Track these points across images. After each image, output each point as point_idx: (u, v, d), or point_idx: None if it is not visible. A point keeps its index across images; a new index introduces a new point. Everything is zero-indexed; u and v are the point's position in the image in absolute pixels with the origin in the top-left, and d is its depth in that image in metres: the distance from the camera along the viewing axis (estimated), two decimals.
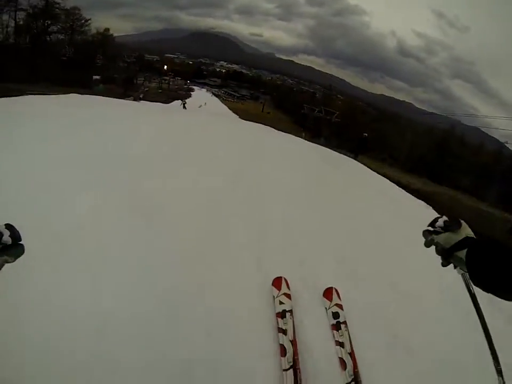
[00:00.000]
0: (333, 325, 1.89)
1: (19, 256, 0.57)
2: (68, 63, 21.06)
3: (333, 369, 1.64)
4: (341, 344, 1.75)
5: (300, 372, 1.53)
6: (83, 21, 22.05)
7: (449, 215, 0.73)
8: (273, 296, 1.98)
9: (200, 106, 26.91)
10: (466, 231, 0.69)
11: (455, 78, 28.27)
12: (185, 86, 47.41)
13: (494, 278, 0.55)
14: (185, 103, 22.13)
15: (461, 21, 26.90)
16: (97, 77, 24.54)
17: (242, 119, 20.50)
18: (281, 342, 1.68)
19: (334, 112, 26.82)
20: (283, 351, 1.61)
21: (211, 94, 52.32)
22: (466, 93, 27.18)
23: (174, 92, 34.44)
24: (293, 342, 1.69)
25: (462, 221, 0.71)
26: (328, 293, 2.10)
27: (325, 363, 1.65)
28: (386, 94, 34.12)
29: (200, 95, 39.31)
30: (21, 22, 19.23)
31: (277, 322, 1.80)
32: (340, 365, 1.65)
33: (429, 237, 0.74)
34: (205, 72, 58.42)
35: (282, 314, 1.83)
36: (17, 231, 0.57)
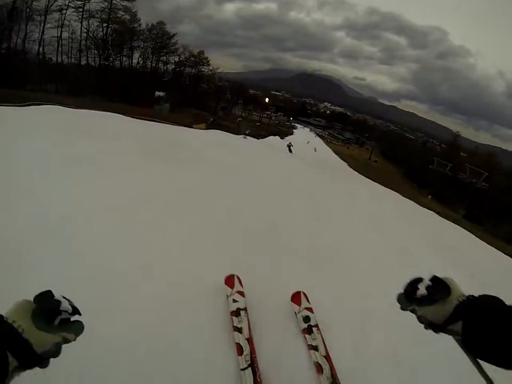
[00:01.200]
0: (304, 329, 1.86)
1: (79, 333, 0.51)
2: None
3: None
4: (315, 348, 1.71)
5: (258, 370, 1.52)
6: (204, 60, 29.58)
7: (433, 278, 0.60)
8: (227, 295, 1.99)
9: (308, 143, 29.35)
10: (456, 294, 0.57)
11: None
12: (288, 123, 51.16)
13: (493, 347, 0.50)
14: (291, 145, 18.81)
15: None
16: (161, 93, 23.04)
17: (351, 167, 19.18)
18: (237, 341, 1.66)
19: (482, 173, 19.82)
20: (239, 350, 1.60)
21: (314, 134, 54.22)
22: None
23: (274, 127, 36.02)
24: (249, 340, 1.65)
25: (450, 282, 0.59)
26: (296, 298, 2.05)
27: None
28: (492, 144, 30.18)
29: (303, 134, 39.41)
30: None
31: (232, 321, 1.80)
32: (316, 370, 1.62)
33: (409, 306, 0.62)
34: (308, 111, 62.63)
35: (236, 313, 1.83)
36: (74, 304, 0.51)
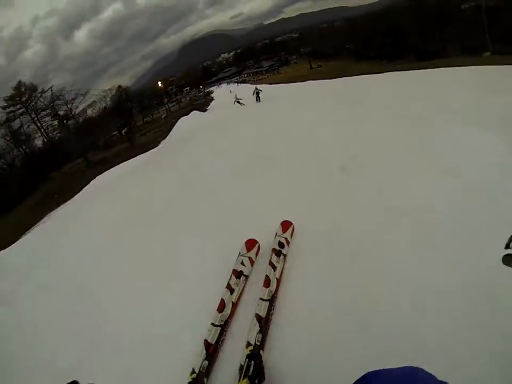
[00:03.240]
0: (274, 249, 2.25)
1: None
2: None
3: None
4: (273, 267, 2.10)
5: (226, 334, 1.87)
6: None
7: None
8: (239, 253, 2.35)
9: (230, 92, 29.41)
10: None
11: None
12: (201, 93, 50.99)
13: None
14: (240, 99, 18.58)
15: None
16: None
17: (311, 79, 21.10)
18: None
19: None
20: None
21: (236, 84, 53.77)
22: None
23: (187, 108, 35.82)
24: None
25: None
26: (285, 225, 2.48)
27: None
28: None
29: (224, 92, 38.70)
30: None
31: (230, 279, 2.15)
32: (264, 282, 1.99)
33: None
34: (213, 70, 61.34)
35: (238, 274, 2.18)
36: None
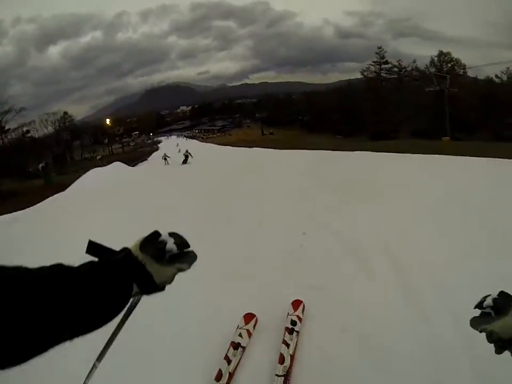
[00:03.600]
0: (287, 327, 2.41)
1: (193, 262, 0.65)
2: None
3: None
4: (287, 344, 2.25)
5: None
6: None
7: (500, 292, 0.68)
8: (237, 326, 2.48)
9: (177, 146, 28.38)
10: None
11: (398, 38, 35.85)
12: (149, 141, 50.54)
13: None
14: (168, 157, 19.88)
15: None
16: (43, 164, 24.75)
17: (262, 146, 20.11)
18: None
19: None
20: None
21: (185, 138, 54.49)
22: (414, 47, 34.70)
23: (129, 154, 35.87)
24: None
25: None
26: (296, 304, 2.68)
27: None
28: (343, 78, 40.33)
29: (171, 144, 39.12)
30: None
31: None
32: (278, 359, 2.13)
33: (480, 326, 0.68)
34: (167, 119, 62.81)
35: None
36: (184, 238, 0.65)
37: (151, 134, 53.16)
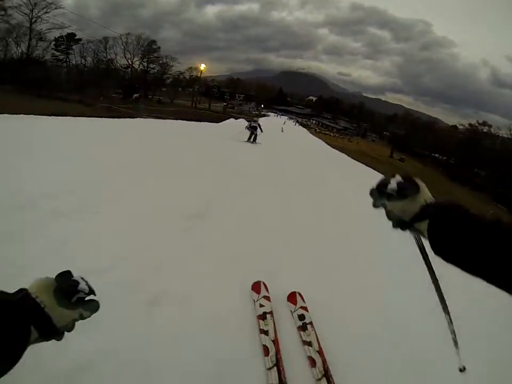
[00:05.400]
0: (299, 326, 2.43)
1: (95, 311, 0.67)
2: None
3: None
4: (309, 344, 2.26)
5: (283, 370, 2.02)
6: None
7: (404, 175, 0.79)
8: (254, 300, 2.61)
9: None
10: (425, 196, 0.75)
11: None
12: (255, 112, 52.67)
13: (459, 250, 0.65)
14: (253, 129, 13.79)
15: None
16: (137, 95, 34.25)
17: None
18: (263, 343, 2.20)
19: None
20: (266, 351, 2.14)
21: (295, 123, 54.98)
22: None
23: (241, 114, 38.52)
24: (275, 342, 2.20)
25: (419, 182, 0.77)
26: (292, 297, 2.71)
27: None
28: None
29: (278, 123, 38.58)
30: None
31: (259, 324, 2.38)
32: (309, 363, 2.12)
33: (380, 200, 0.81)
34: (289, 99, 62.90)
35: (263, 316, 2.42)
36: (90, 284, 0.67)
37: (262, 105, 55.79)
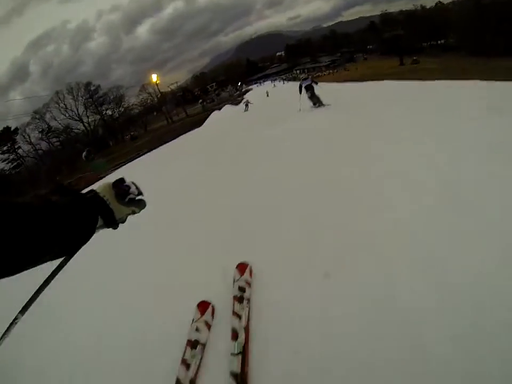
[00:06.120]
0: (235, 296, 2.35)
1: (143, 208, 0.90)
2: None
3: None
4: (238, 316, 2.16)
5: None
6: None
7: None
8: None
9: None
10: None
11: None
12: (236, 93, 52.05)
13: None
14: (250, 103, 22.38)
15: None
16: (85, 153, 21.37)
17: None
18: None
19: None
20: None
21: (282, 82, 53.12)
22: None
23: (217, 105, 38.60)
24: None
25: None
26: (242, 267, 2.61)
27: None
28: None
29: (261, 91, 36.70)
30: None
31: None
32: (231, 335, 2.04)
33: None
34: (259, 65, 61.51)
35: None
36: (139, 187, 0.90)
37: (240, 83, 54.30)
